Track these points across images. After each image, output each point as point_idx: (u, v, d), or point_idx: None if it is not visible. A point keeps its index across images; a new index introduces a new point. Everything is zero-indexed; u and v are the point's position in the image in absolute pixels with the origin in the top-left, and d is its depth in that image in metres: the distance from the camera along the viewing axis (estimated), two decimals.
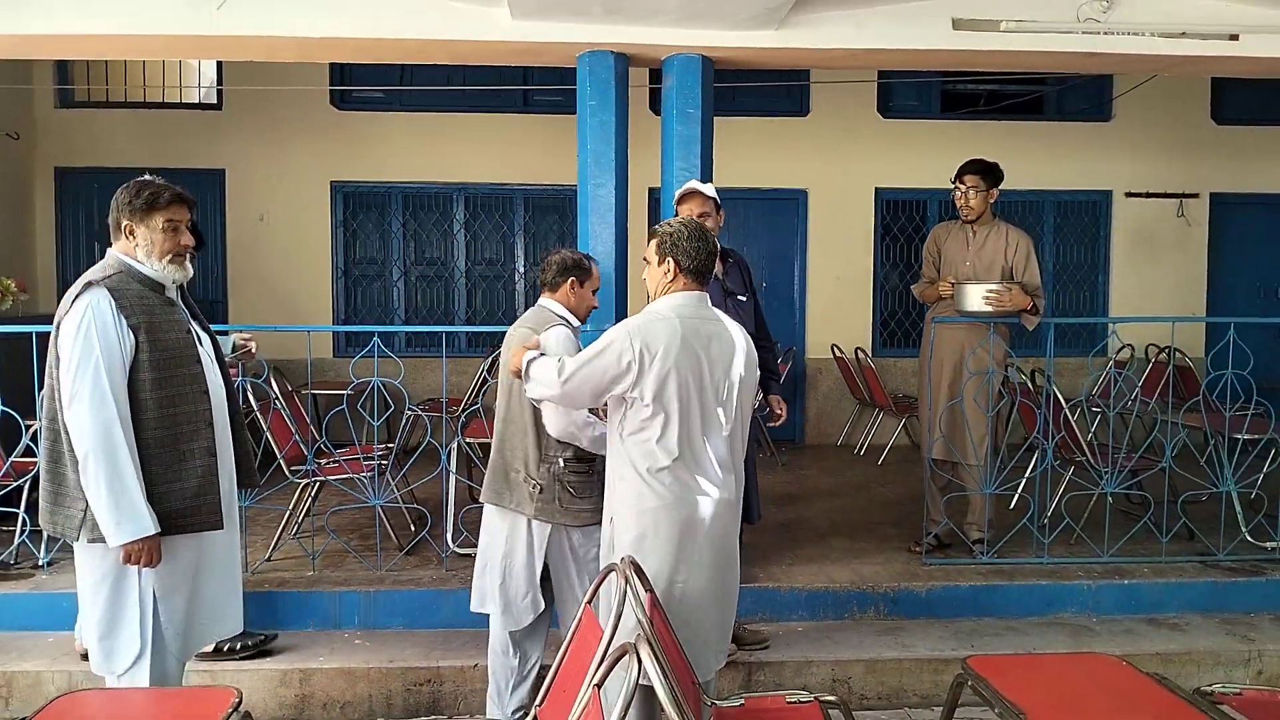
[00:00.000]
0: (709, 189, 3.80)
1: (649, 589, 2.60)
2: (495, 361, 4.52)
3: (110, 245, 3.00)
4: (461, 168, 8.19)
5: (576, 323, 3.44)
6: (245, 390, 4.48)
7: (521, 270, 8.38)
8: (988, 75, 5.34)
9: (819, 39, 4.32)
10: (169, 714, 2.61)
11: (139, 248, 2.91)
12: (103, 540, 2.77)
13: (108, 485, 2.72)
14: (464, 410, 5.39)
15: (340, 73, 7.94)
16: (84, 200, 7.99)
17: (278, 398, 4.96)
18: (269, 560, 4.76)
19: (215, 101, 8.11)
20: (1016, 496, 5.50)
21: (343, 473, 4.92)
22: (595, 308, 3.59)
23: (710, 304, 2.93)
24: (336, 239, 8.24)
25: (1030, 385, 5.57)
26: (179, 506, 2.87)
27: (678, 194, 3.86)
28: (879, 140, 8.33)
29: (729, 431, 2.88)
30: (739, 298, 4.00)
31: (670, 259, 2.85)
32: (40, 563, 4.65)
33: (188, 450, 2.90)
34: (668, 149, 4.50)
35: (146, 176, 3.02)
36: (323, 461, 5.04)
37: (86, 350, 2.73)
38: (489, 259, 8.42)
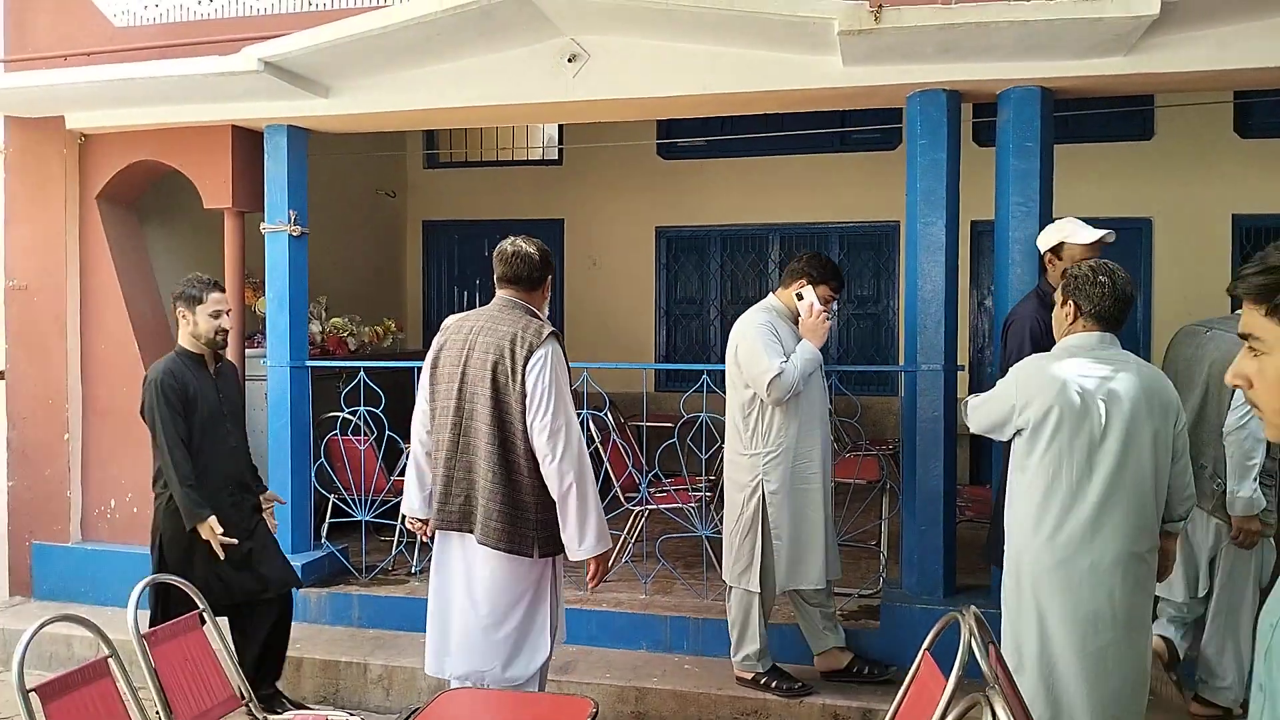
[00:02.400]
0: (1086, 234, 3.68)
1: (991, 641, 2.53)
2: None
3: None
4: (777, 209, 8.37)
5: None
6: (588, 422, 4.84)
7: (834, 307, 8.37)
8: None
9: (1175, 62, 4.01)
10: (537, 717, 2.88)
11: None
12: (550, 555, 3.23)
13: (594, 507, 3.19)
14: None
15: (666, 126, 8.42)
16: (446, 249, 9.06)
17: (614, 429, 5.32)
18: (606, 581, 5.09)
19: (556, 158, 8.89)
20: None
21: (671, 502, 5.17)
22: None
23: (1115, 345, 2.96)
24: (660, 280, 8.71)
25: None
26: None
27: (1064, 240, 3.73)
28: (1236, 162, 7.51)
29: (1109, 477, 2.84)
30: None
31: (1072, 301, 2.96)
32: (413, 570, 5.29)
33: None
34: (1003, 184, 4.36)
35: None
36: (653, 491, 5.33)
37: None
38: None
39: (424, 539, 3.58)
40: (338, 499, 5.31)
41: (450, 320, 3.38)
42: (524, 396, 3.14)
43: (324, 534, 5.43)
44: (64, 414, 5.38)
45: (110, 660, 2.92)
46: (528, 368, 3.15)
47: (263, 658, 4.04)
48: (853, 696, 4.10)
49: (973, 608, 2.56)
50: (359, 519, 5.21)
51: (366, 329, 6.67)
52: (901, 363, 4.53)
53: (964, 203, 4.52)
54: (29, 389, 5.43)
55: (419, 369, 3.51)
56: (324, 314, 6.41)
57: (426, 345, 4.48)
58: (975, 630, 2.55)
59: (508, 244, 3.40)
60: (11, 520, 5.54)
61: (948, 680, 2.44)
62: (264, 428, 5.33)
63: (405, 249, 9.12)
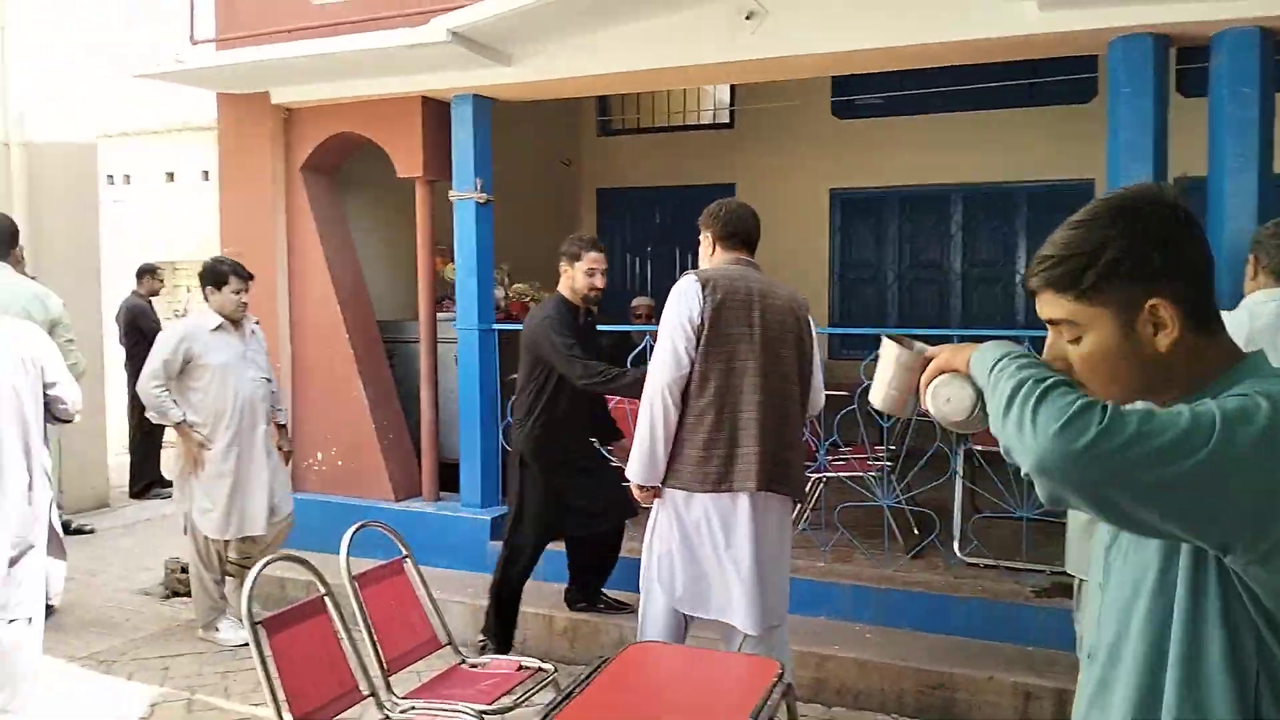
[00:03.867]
0: None
1: None
2: None
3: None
4: (959, 168, 8.02)
5: None
6: None
7: (1022, 271, 8.01)
8: None
9: None
10: (727, 675, 2.90)
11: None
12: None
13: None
14: None
15: (841, 84, 8.19)
16: (618, 216, 9.16)
17: None
18: None
19: (728, 121, 8.82)
20: None
21: (850, 470, 5.08)
22: None
23: None
24: (833, 244, 8.53)
25: None
26: None
27: None
28: None
29: None
30: None
31: (1253, 256, 2.72)
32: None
33: None
34: (1217, 134, 4.00)
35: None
36: (830, 459, 5.25)
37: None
38: (986, 260, 8.15)
39: (646, 504, 3.49)
40: None
41: (704, 282, 3.25)
42: (808, 353, 3.39)
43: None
44: (276, 372, 5.78)
45: (326, 599, 3.14)
46: (811, 326, 3.40)
47: (600, 565, 4.72)
48: (1047, 676, 3.94)
49: None
50: None
51: (547, 295, 6.82)
52: None
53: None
54: None
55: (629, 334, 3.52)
56: (506, 280, 6.61)
57: (601, 312, 4.56)
58: None
59: (734, 205, 3.43)
60: None
61: None
62: (453, 388, 5.57)
63: (581, 216, 9.28)
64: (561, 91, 5.37)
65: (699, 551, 3.31)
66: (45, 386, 3.63)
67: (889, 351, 1.59)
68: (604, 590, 4.79)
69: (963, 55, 4.44)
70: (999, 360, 1.30)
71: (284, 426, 5.09)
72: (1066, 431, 1.11)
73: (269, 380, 4.90)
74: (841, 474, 5.08)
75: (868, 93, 8.08)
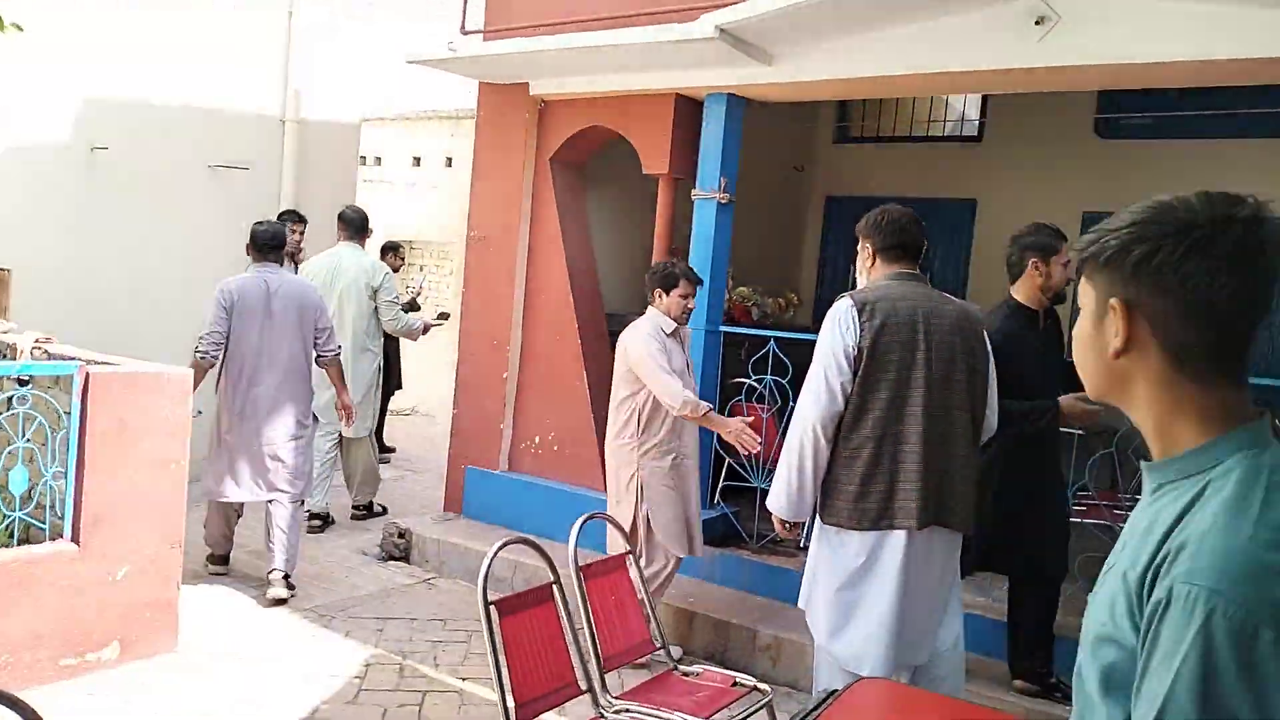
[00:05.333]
0: None
1: None
2: None
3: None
4: None
5: None
6: None
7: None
8: None
9: None
10: None
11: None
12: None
13: None
14: None
15: (1108, 100, 7.58)
16: (846, 227, 8.83)
17: None
18: None
19: (975, 134, 8.37)
20: None
21: (1099, 516, 4.67)
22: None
23: None
24: None
25: None
26: None
27: None
28: None
29: None
30: None
31: None
32: (801, 544, 5.24)
33: None
34: None
35: None
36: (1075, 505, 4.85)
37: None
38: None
39: (795, 540, 3.46)
40: (735, 462, 5.38)
41: (861, 306, 3.04)
42: (981, 371, 3.12)
43: (718, 495, 5.55)
44: (505, 355, 5.96)
45: (554, 587, 3.15)
46: (985, 342, 3.15)
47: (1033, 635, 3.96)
48: None
49: None
50: (754, 485, 5.25)
51: (770, 300, 6.72)
52: None
53: None
54: (479, 329, 6.08)
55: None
56: (730, 282, 6.54)
57: (818, 322, 4.36)
58: None
59: (895, 211, 3.20)
60: (453, 444, 6.27)
61: None
62: None
63: (806, 224, 9.08)
64: (819, 93, 5.23)
65: (864, 605, 3.14)
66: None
67: None
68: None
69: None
70: None
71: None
72: None
73: None
74: (1087, 519, 4.67)
75: (1137, 111, 7.44)
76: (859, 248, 3.30)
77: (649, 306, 4.43)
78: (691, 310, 4.44)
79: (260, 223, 5.23)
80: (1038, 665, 3.92)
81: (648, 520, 4.33)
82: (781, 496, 3.19)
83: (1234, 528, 1.03)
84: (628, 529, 4.19)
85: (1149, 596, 1.05)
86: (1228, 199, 1.13)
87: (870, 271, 3.26)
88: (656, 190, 5.53)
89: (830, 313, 3.11)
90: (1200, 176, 7.22)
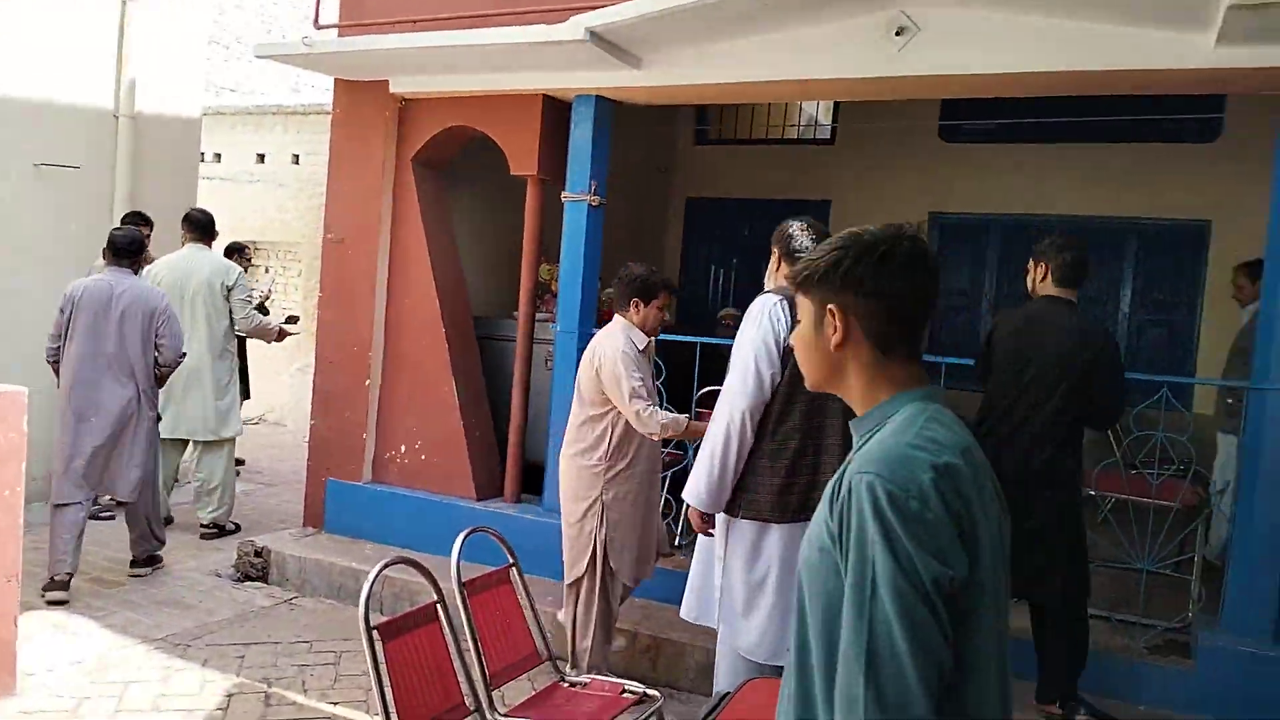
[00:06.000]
0: None
1: None
2: None
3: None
4: (1066, 200, 7.75)
5: None
6: None
7: (1126, 310, 7.72)
8: None
9: None
10: None
11: None
12: None
13: None
14: None
15: (951, 107, 7.97)
16: (707, 228, 9.01)
17: None
18: None
19: (829, 138, 8.64)
20: None
21: None
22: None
23: None
24: None
25: None
26: None
27: None
28: None
29: None
30: None
31: None
32: (678, 543, 5.27)
33: None
34: None
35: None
36: None
37: None
38: (1088, 295, 7.86)
39: (702, 533, 3.40)
40: None
41: (789, 300, 3.11)
42: None
43: None
44: (367, 361, 5.74)
45: (439, 607, 3.04)
46: None
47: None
48: None
49: None
50: None
51: None
52: (1251, 380, 4.03)
53: None
54: (339, 335, 5.83)
55: (717, 345, 3.38)
56: (599, 285, 6.50)
57: (682, 322, 4.41)
58: None
59: (798, 223, 3.35)
60: (311, 457, 6.00)
61: None
62: (542, 389, 5.49)
63: (669, 224, 9.16)
64: (687, 97, 5.27)
65: (765, 592, 3.19)
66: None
67: None
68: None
69: (1125, 86, 4.24)
70: None
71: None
72: None
73: None
74: None
75: (979, 117, 7.85)
76: (773, 256, 3.43)
77: (617, 316, 4.10)
78: (665, 323, 4.22)
79: (119, 228, 5.36)
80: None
81: (605, 547, 4.05)
82: (701, 487, 3.19)
83: (895, 438, 1.41)
84: (586, 557, 4.04)
85: (838, 497, 1.38)
86: (897, 226, 1.52)
87: (776, 275, 3.40)
88: (525, 192, 5.44)
89: (755, 307, 3.18)
90: (1033, 178, 7.73)
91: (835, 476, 1.44)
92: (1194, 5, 3.54)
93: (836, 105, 8.54)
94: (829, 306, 1.51)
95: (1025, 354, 3.74)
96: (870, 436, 1.47)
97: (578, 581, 4.12)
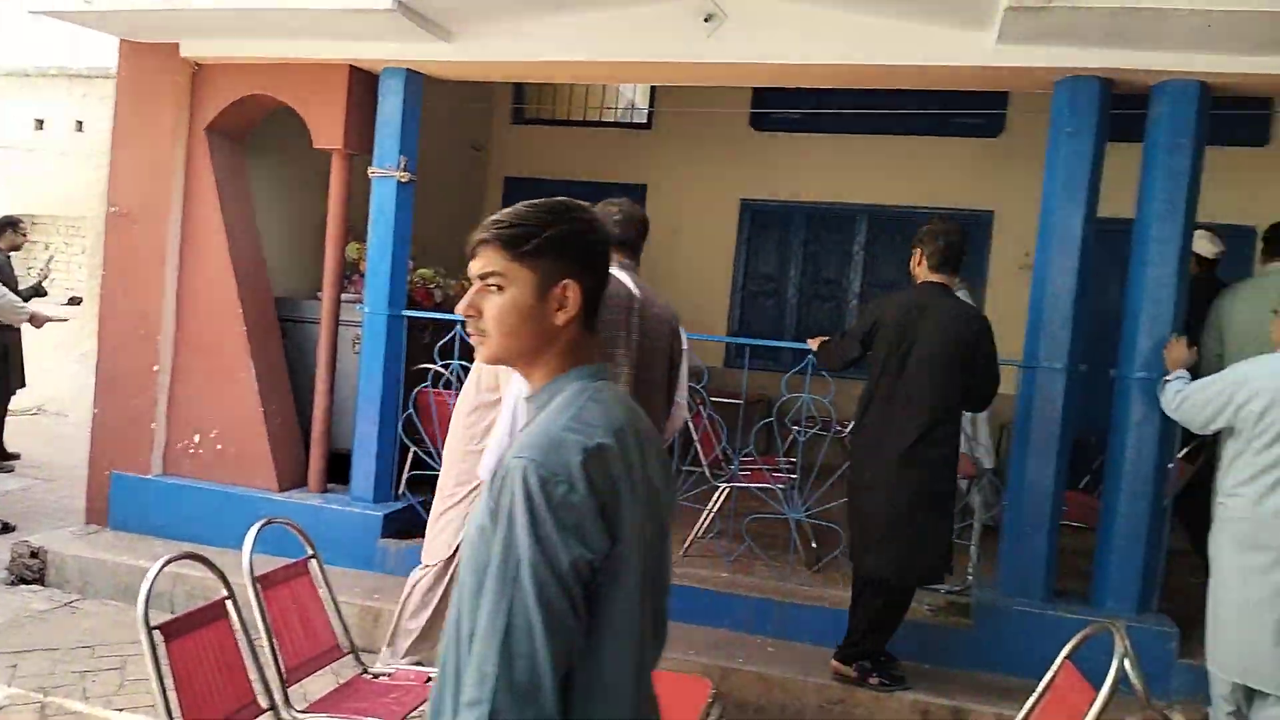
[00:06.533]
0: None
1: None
2: None
3: None
4: (868, 189, 8.15)
5: None
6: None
7: None
8: None
9: None
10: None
11: None
12: None
13: None
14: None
15: (761, 96, 8.20)
16: None
17: (704, 404, 5.21)
18: (684, 556, 5.01)
19: (645, 122, 8.72)
20: None
21: (761, 480, 5.06)
22: None
23: None
24: (739, 255, 8.54)
25: None
26: None
27: None
28: None
29: None
30: None
31: None
32: None
33: None
34: (1149, 181, 4.16)
35: None
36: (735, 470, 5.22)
37: None
38: (886, 280, 8.32)
39: None
40: (422, 451, 5.24)
41: None
42: (677, 366, 3.49)
43: (404, 485, 5.37)
44: (155, 345, 5.35)
45: (228, 603, 2.88)
46: (683, 340, 3.57)
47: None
48: (944, 694, 4.01)
49: (1121, 621, 2.46)
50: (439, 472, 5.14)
51: (453, 282, 6.58)
52: (1021, 358, 4.36)
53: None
54: (123, 317, 5.40)
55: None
56: (411, 264, 6.32)
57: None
58: (1127, 646, 2.48)
59: (627, 207, 3.30)
60: (94, 448, 5.55)
61: (1098, 692, 2.39)
62: (349, 373, 5.30)
63: (486, 204, 9.01)
64: (498, 74, 5.19)
65: None
66: None
67: None
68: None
69: (911, 80, 4.48)
70: None
71: None
72: None
73: None
74: (751, 484, 5.05)
75: (786, 108, 8.12)
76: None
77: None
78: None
79: None
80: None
81: None
82: (491, 458, 3.15)
83: (551, 420, 1.43)
84: (450, 541, 3.78)
85: (498, 478, 1.39)
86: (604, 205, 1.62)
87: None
88: (330, 166, 5.21)
89: None
90: (835, 167, 8.08)
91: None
92: (977, 5, 3.77)
93: (653, 90, 8.64)
94: (565, 281, 1.48)
95: (908, 338, 3.82)
96: (540, 413, 1.49)
97: (430, 567, 3.98)
